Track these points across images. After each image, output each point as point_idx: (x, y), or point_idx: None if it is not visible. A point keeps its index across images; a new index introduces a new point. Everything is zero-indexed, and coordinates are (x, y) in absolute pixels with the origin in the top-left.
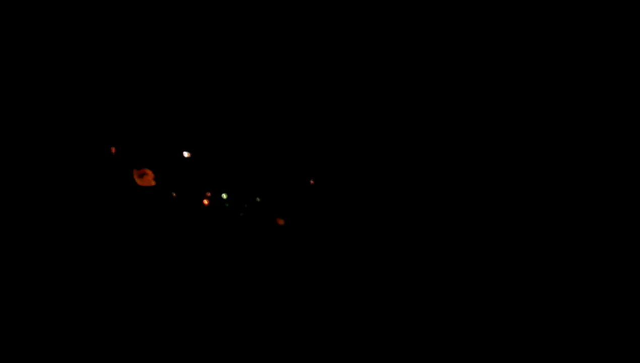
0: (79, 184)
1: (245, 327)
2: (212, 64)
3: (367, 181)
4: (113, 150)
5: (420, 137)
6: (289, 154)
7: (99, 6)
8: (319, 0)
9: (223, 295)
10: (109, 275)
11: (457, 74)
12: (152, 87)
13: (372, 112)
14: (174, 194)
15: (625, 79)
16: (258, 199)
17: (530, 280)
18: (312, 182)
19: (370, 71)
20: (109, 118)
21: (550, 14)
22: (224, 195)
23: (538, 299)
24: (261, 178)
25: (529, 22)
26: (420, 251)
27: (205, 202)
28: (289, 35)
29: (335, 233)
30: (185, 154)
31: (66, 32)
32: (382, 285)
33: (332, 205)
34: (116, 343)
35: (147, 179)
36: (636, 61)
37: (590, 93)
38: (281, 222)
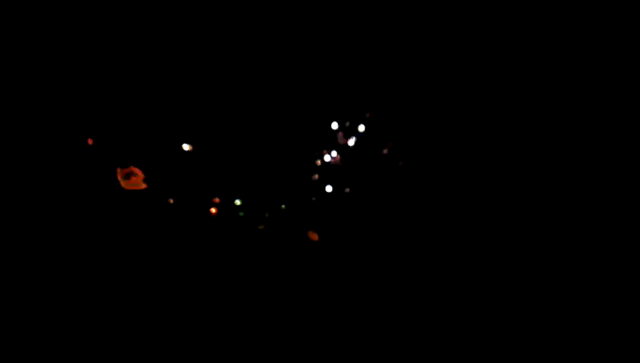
0: (43, 184)
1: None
2: (226, 44)
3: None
4: (90, 141)
5: (423, 139)
6: (321, 144)
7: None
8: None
9: (238, 337)
10: (88, 316)
11: (458, 75)
12: (140, 68)
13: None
14: (171, 200)
15: (625, 79)
16: (283, 206)
17: (532, 279)
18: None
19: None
20: (82, 101)
21: (550, 14)
22: (238, 201)
23: (538, 299)
24: (286, 177)
25: (529, 22)
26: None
27: (213, 210)
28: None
29: (392, 251)
30: (186, 147)
31: (55, 27)
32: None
33: (380, 210)
34: None
35: (135, 181)
36: (636, 61)
37: (590, 93)
38: (315, 236)
